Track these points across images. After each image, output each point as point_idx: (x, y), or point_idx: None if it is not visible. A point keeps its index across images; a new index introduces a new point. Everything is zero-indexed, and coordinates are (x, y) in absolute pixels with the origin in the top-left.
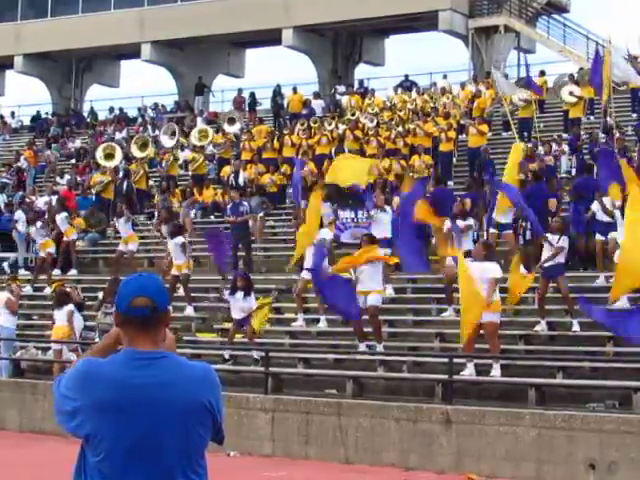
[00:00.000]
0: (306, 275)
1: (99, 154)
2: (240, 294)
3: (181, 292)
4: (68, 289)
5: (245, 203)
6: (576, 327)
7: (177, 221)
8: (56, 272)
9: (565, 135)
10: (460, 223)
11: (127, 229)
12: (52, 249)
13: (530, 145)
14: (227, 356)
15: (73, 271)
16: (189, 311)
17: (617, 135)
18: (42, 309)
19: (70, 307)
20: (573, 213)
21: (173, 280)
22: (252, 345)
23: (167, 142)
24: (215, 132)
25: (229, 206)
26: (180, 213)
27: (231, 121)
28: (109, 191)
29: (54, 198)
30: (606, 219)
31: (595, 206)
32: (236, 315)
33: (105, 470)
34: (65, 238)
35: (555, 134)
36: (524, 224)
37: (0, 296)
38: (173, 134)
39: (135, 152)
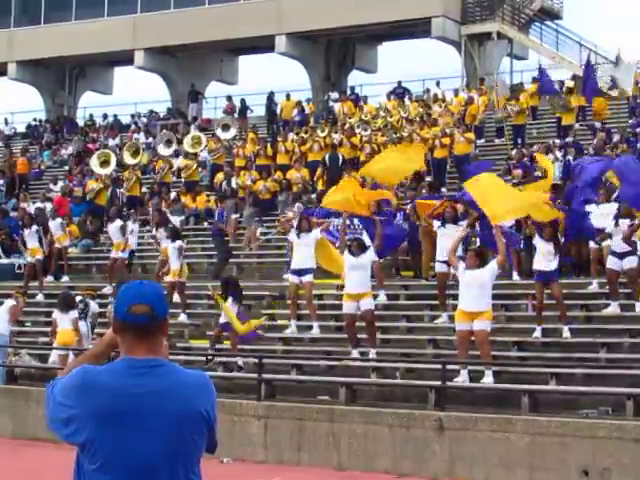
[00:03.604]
0: (295, 279)
1: (94, 161)
2: (229, 299)
3: (175, 298)
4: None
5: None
6: (567, 334)
7: (172, 225)
8: (49, 279)
9: (558, 141)
10: (451, 228)
11: (118, 235)
12: (40, 256)
13: (522, 150)
14: (241, 363)
15: (65, 277)
16: (182, 318)
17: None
18: (35, 316)
19: (75, 313)
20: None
21: (169, 286)
22: (239, 352)
23: (163, 150)
24: (210, 137)
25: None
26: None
27: (225, 127)
28: (102, 198)
29: (47, 205)
30: (600, 226)
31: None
32: (222, 319)
33: (102, 477)
34: (57, 245)
35: (551, 140)
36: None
37: (6, 303)
38: (169, 142)
39: (127, 159)
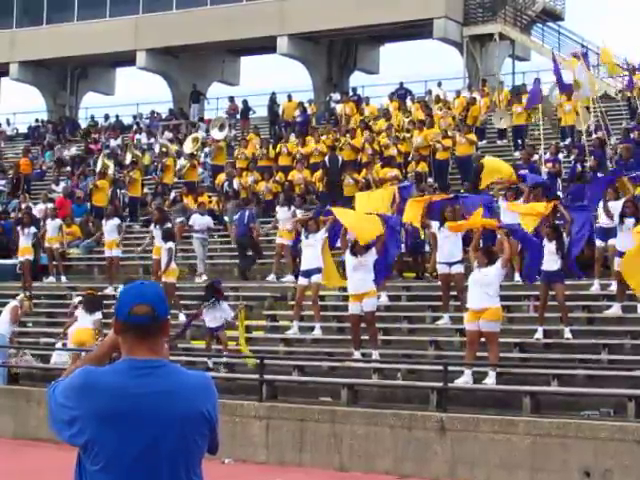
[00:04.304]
0: (304, 281)
1: (100, 163)
2: (215, 303)
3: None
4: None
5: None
6: (568, 335)
7: (170, 225)
8: (51, 279)
9: (562, 142)
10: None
11: (112, 234)
12: (30, 256)
13: (524, 151)
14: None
15: (63, 278)
16: (183, 318)
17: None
18: (36, 316)
19: (99, 315)
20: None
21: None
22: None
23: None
24: (205, 138)
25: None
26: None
27: (222, 127)
28: (102, 199)
29: (49, 206)
30: (607, 225)
31: (599, 211)
32: (211, 324)
33: (103, 478)
34: (47, 244)
35: (554, 141)
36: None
37: (9, 304)
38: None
39: (128, 160)
